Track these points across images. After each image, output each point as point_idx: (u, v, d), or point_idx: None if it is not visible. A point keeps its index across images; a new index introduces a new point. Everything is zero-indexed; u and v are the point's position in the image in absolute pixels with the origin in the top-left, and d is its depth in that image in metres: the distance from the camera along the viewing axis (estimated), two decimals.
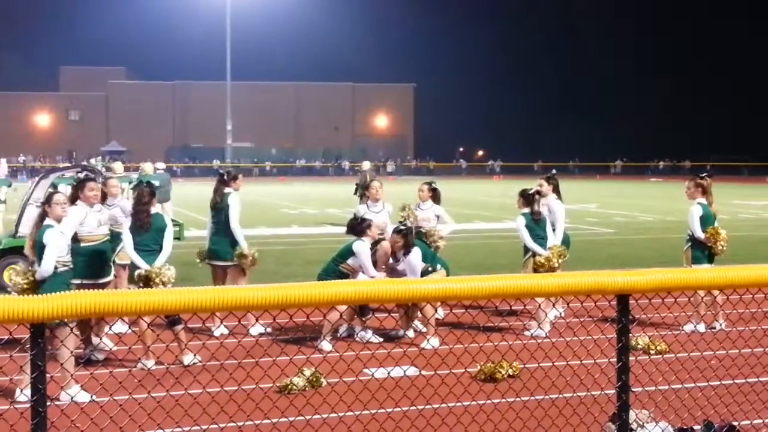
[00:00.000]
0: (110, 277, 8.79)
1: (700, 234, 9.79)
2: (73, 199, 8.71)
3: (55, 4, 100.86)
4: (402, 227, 9.62)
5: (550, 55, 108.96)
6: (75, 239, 8.47)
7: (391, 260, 9.61)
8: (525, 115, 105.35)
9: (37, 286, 7.20)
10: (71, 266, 7.58)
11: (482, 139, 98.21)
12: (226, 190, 10.17)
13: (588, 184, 54.89)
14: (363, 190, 10.77)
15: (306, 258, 16.34)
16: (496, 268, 14.88)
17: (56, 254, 7.29)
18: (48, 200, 7.58)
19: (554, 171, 12.48)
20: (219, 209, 10.10)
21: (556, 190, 10.93)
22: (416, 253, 9.39)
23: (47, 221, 7.44)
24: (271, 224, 23.94)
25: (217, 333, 9.50)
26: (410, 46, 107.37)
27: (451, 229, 11.15)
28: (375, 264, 9.38)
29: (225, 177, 10.32)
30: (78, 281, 8.39)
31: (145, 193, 8.67)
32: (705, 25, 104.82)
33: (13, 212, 16.27)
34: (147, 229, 8.52)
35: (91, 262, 8.52)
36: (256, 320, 9.68)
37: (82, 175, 10.14)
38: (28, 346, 4.45)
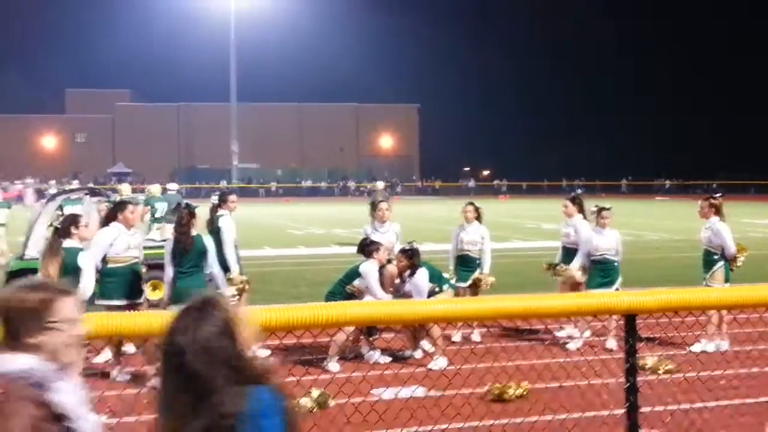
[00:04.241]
0: (140, 299, 8.74)
1: (733, 249, 9.93)
2: (107, 220, 8.77)
3: (60, 27, 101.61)
4: (408, 248, 9.63)
5: (553, 75, 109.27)
6: (104, 260, 8.53)
7: (397, 281, 9.61)
8: (530, 134, 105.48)
9: None
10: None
11: (487, 159, 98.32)
12: (219, 212, 10.18)
13: (594, 204, 54.77)
14: (374, 211, 10.78)
15: (313, 279, 16.33)
16: (503, 287, 14.84)
17: (93, 276, 7.37)
18: (74, 222, 7.63)
19: (579, 191, 12.49)
20: (214, 232, 10.07)
21: (581, 211, 11.00)
22: (422, 274, 9.39)
23: (71, 243, 7.45)
24: (277, 245, 23.95)
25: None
26: (414, 66, 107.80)
27: (489, 260, 10.84)
28: (382, 285, 9.38)
29: (216, 201, 10.32)
30: (105, 302, 8.45)
31: (185, 215, 8.71)
32: (704, 46, 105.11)
33: (16, 234, 16.34)
34: (188, 251, 8.55)
35: (119, 284, 8.55)
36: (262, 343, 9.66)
37: (117, 198, 10.38)
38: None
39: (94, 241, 8.66)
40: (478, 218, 10.90)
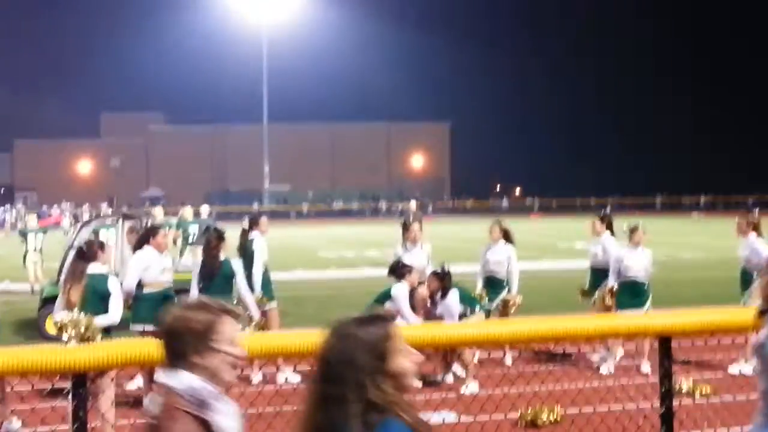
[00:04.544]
0: None
1: None
2: (140, 244, 8.83)
3: (94, 51, 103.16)
4: (439, 270, 9.58)
5: (586, 92, 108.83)
6: (138, 285, 8.57)
7: (429, 303, 9.56)
8: (562, 152, 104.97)
9: (102, 334, 7.12)
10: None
11: (519, 177, 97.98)
12: (251, 235, 10.16)
13: (628, 222, 54.27)
14: (405, 231, 10.74)
15: (346, 302, 16.29)
16: (535, 309, 14.73)
17: (122, 302, 7.43)
18: (99, 247, 7.67)
19: (608, 208, 12.37)
20: (247, 256, 10.07)
21: (609, 228, 10.84)
22: (453, 296, 9.33)
23: (95, 268, 7.48)
24: (310, 267, 23.99)
25: (255, 380, 9.47)
26: (445, 84, 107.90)
27: (516, 280, 10.65)
28: (413, 308, 9.34)
29: (248, 224, 10.30)
30: (141, 327, 8.46)
31: (213, 239, 8.75)
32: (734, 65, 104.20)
33: (51, 260, 16.52)
34: (216, 275, 8.57)
35: (154, 308, 8.59)
36: (294, 367, 9.60)
37: (146, 222, 10.47)
38: (69, 395, 4.48)
39: (131, 265, 8.75)
40: (506, 237, 10.73)
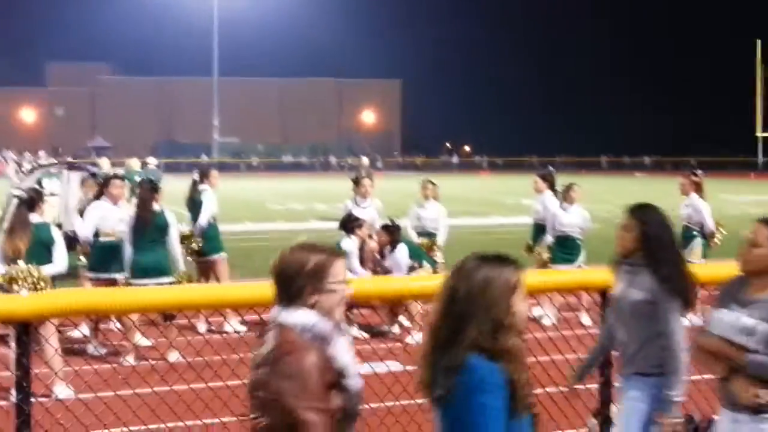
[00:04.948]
0: (123, 274, 8.69)
1: (712, 226, 10.07)
2: (97, 196, 8.84)
3: (41, 1, 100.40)
4: (389, 224, 9.67)
5: (535, 49, 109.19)
6: (95, 234, 8.58)
7: (378, 256, 9.65)
8: (511, 109, 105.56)
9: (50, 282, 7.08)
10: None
11: (469, 135, 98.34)
12: (201, 187, 10.10)
13: (574, 180, 54.98)
14: (356, 186, 10.81)
15: None
16: None
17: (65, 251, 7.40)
18: (40, 197, 7.57)
19: (551, 168, 12.56)
20: (195, 209, 10.00)
21: (551, 187, 11.02)
22: (402, 250, 9.43)
23: (38, 218, 7.40)
24: (257, 220, 23.92)
25: (201, 330, 9.49)
26: (397, 41, 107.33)
27: (445, 234, 10.94)
28: (362, 262, 9.43)
29: (198, 177, 10.23)
30: (96, 275, 8.47)
31: (146, 190, 8.67)
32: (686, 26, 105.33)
33: None
34: (149, 226, 8.49)
35: (109, 257, 8.54)
36: (241, 319, 9.60)
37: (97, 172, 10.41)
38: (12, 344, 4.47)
39: (87, 214, 8.75)
40: (435, 196, 10.95)
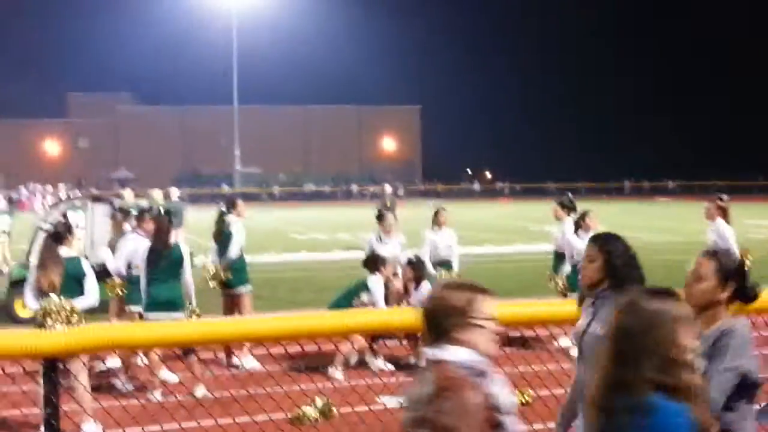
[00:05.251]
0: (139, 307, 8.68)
1: (738, 252, 9.90)
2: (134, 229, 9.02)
3: (62, 31, 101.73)
4: (414, 259, 9.71)
5: (556, 75, 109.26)
6: (128, 267, 8.78)
7: (403, 294, 9.69)
8: (532, 135, 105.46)
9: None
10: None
11: (490, 160, 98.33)
12: (228, 218, 10.09)
13: (596, 205, 54.74)
14: (380, 222, 10.90)
15: (317, 284, 16.30)
16: (506, 293, 14.84)
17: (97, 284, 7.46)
18: (70, 230, 7.60)
19: (569, 194, 12.50)
20: (223, 240, 10.00)
21: (572, 214, 10.94)
22: (426, 287, 9.44)
23: (67, 252, 7.41)
24: (281, 250, 23.93)
25: (248, 366, 9.29)
26: (416, 67, 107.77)
27: (457, 261, 11.18)
28: (387, 300, 9.45)
29: (224, 208, 10.24)
30: (138, 309, 8.60)
31: (164, 221, 8.70)
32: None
33: (19, 242, 16.33)
34: (163, 258, 8.48)
35: (138, 290, 8.63)
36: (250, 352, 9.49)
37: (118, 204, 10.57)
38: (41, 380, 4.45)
39: (120, 248, 8.85)
40: (448, 223, 11.18)
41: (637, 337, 2.65)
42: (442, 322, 2.80)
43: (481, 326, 2.79)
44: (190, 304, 8.49)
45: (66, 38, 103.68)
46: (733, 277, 3.59)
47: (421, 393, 2.72)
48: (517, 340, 10.33)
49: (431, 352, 2.79)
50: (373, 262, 9.54)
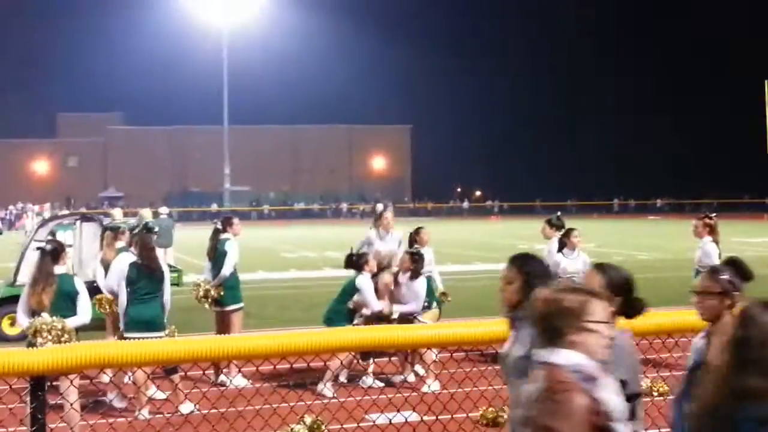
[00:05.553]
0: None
1: None
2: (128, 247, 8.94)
3: (51, 51, 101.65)
4: (415, 251, 9.81)
5: (545, 94, 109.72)
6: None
7: (393, 285, 9.73)
8: (522, 153, 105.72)
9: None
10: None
11: (479, 179, 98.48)
12: (223, 236, 10.10)
13: (586, 223, 54.96)
14: (377, 220, 11.09)
15: (306, 302, 16.29)
16: (495, 311, 14.82)
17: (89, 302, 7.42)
18: (63, 248, 7.57)
19: (559, 213, 12.55)
20: (217, 258, 10.00)
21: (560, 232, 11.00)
22: (422, 282, 9.53)
23: (60, 269, 7.37)
24: (270, 268, 23.91)
25: (236, 383, 9.21)
26: (406, 87, 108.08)
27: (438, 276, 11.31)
28: (378, 294, 9.49)
29: (219, 225, 10.24)
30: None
31: (149, 238, 8.68)
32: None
33: (6, 260, 16.27)
34: (148, 276, 8.44)
35: None
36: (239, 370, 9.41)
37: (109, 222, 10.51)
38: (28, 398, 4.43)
39: (116, 266, 8.69)
40: (427, 242, 11.15)
41: (759, 348, 2.69)
42: (556, 324, 2.80)
43: (594, 330, 2.79)
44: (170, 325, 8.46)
45: (56, 59, 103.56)
46: (620, 292, 3.65)
47: (531, 393, 2.74)
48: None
49: (543, 355, 2.79)
50: (355, 262, 9.56)
